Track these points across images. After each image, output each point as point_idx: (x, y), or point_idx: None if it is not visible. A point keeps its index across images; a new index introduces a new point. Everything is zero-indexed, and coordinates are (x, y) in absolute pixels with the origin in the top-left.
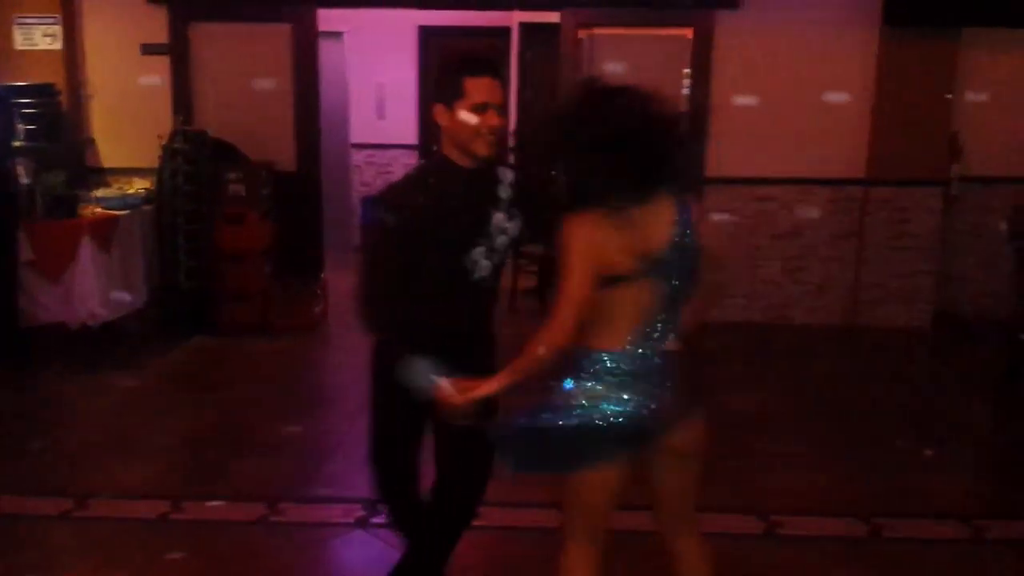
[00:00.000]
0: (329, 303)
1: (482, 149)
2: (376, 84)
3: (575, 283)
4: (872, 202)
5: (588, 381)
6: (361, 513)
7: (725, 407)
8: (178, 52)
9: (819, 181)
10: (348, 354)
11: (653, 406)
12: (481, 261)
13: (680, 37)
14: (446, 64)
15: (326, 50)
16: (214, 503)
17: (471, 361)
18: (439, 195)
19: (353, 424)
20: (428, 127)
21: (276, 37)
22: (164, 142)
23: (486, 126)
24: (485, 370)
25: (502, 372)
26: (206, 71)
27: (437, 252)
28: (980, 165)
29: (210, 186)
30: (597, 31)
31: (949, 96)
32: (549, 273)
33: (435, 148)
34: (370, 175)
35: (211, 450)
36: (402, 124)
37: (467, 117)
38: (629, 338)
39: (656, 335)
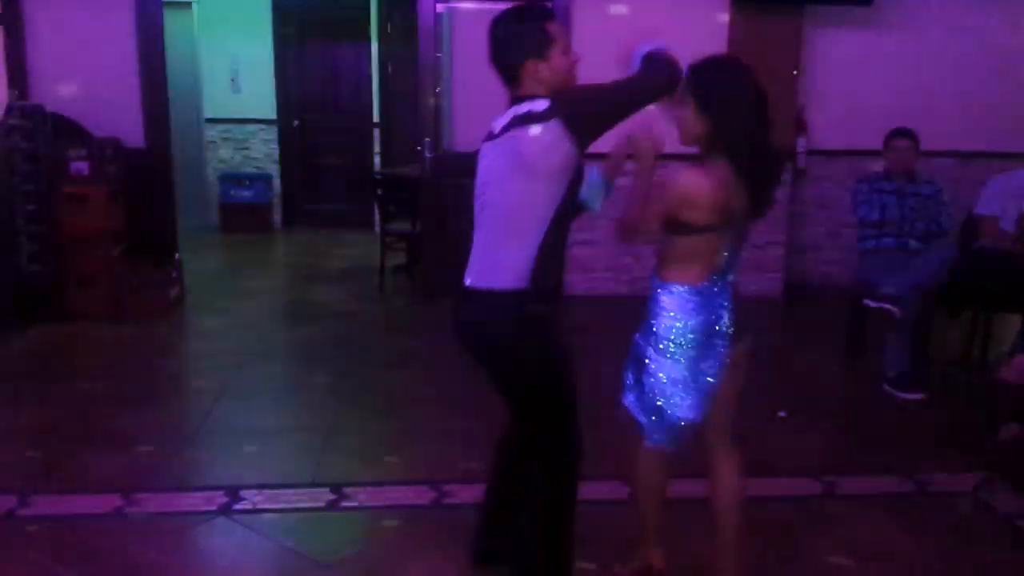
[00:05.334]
0: (185, 286)
1: None
2: (231, 57)
3: (652, 217)
4: None
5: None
6: (223, 500)
7: (593, 377)
8: (11, 22)
9: (672, 156)
10: (204, 339)
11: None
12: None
13: None
14: (508, 21)
15: (174, 21)
16: (65, 497)
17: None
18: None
19: (211, 411)
20: (288, 101)
21: (117, 6)
22: None
23: (575, 65)
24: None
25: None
26: (43, 42)
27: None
28: (822, 139)
29: (51, 164)
30: (456, 4)
31: (796, 72)
32: (418, 250)
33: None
34: (227, 151)
35: (59, 442)
36: (259, 98)
37: (563, 60)
38: (704, 277)
39: (721, 274)
